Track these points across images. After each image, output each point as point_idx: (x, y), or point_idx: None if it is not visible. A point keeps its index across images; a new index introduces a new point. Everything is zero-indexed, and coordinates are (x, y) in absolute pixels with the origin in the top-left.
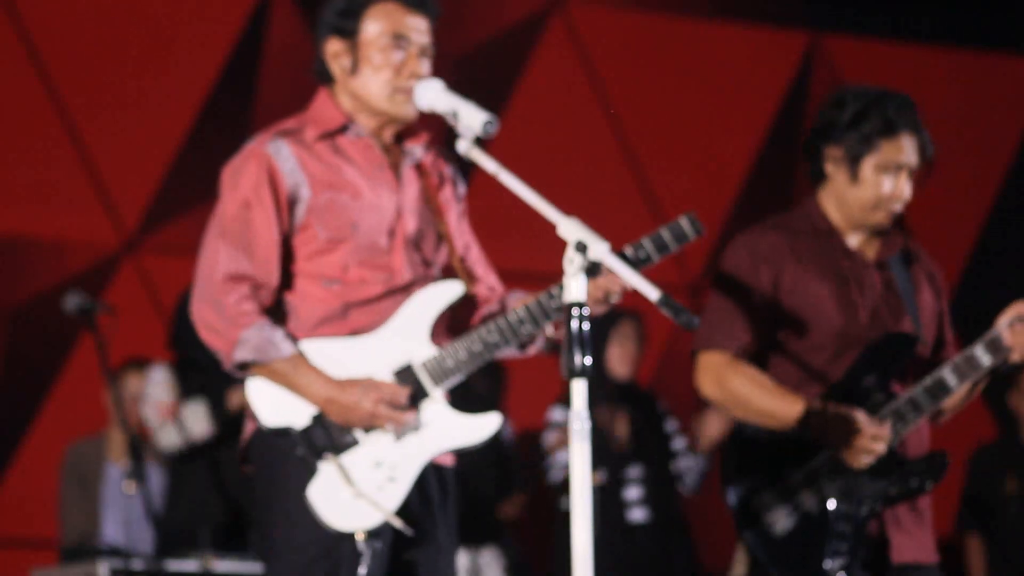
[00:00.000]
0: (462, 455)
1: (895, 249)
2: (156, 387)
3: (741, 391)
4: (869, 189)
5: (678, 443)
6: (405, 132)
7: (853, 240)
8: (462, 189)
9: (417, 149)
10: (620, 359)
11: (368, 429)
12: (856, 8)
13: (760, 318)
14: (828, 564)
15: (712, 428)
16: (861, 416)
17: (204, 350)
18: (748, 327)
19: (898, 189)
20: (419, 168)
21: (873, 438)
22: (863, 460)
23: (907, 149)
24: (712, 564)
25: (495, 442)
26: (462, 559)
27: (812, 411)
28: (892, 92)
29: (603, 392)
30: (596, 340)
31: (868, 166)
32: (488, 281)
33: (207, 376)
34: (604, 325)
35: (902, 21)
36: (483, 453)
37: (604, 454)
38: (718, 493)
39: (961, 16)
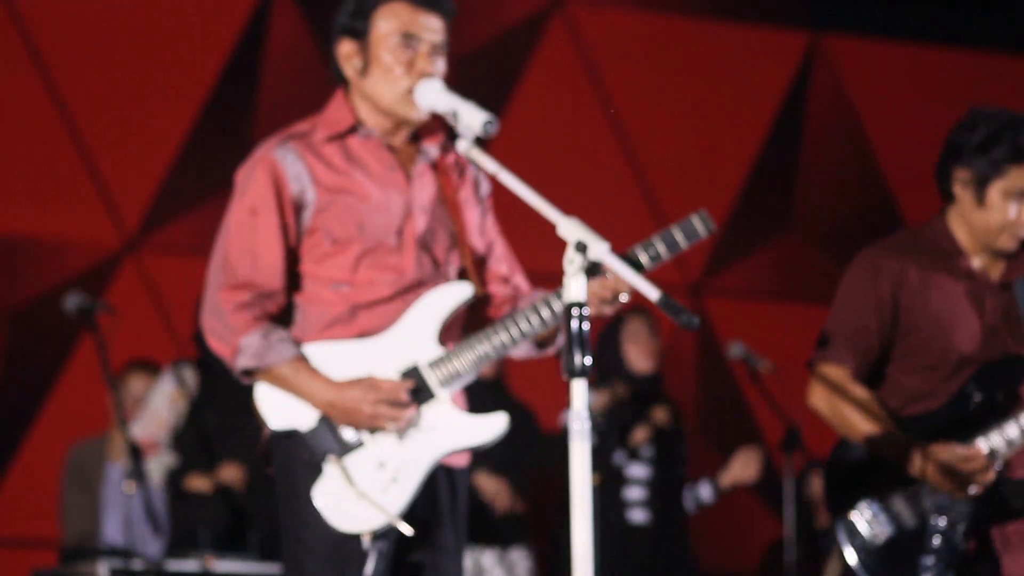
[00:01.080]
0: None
1: (1020, 271)
2: (159, 398)
3: (849, 415)
4: (995, 214)
5: (681, 449)
6: (422, 131)
7: (977, 261)
8: (486, 188)
9: (433, 148)
10: (638, 355)
11: (373, 430)
12: (857, 8)
13: (876, 334)
14: None
15: (746, 472)
16: (960, 450)
17: None
18: (867, 343)
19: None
20: (435, 167)
21: (975, 473)
22: (970, 492)
23: None
24: (711, 567)
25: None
26: (488, 558)
27: (912, 448)
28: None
29: (630, 392)
30: (613, 342)
31: (995, 191)
32: (513, 281)
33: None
34: (613, 325)
35: (902, 21)
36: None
37: (607, 454)
38: (722, 496)
39: (961, 16)
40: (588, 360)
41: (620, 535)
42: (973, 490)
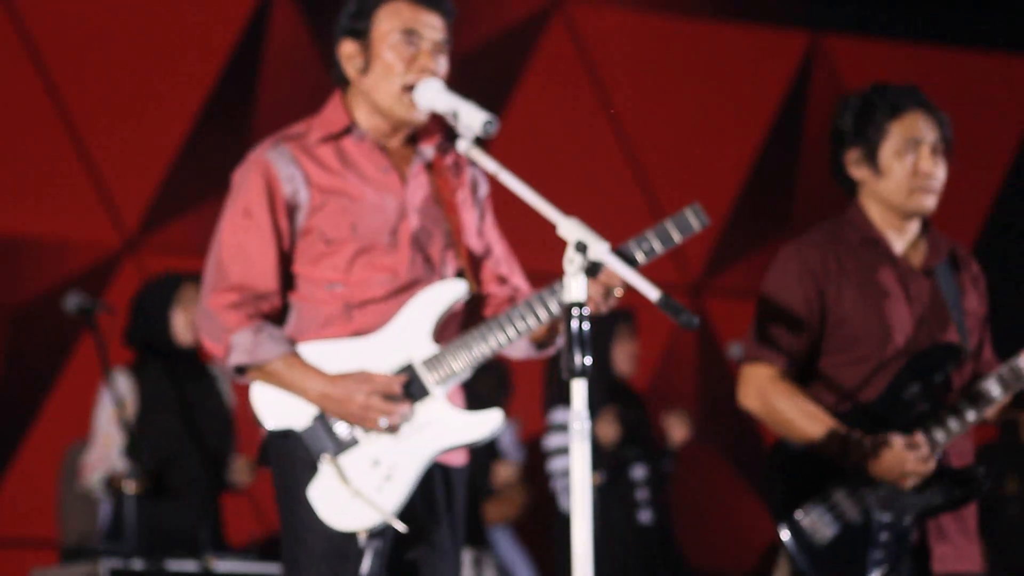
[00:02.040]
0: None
1: (942, 255)
2: (103, 420)
3: (785, 414)
4: (895, 174)
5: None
6: (419, 132)
7: (899, 245)
8: (484, 189)
9: (429, 149)
10: (625, 358)
11: (367, 428)
12: (856, 8)
13: (806, 330)
14: (870, 574)
15: (678, 433)
16: (899, 443)
17: (155, 332)
18: (794, 340)
19: (923, 164)
20: (431, 168)
21: (916, 462)
22: (910, 483)
23: (918, 124)
24: (706, 565)
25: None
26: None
27: (851, 444)
28: (891, 83)
29: (603, 395)
30: (599, 341)
31: (886, 154)
32: (512, 282)
33: (168, 359)
34: (606, 326)
35: (902, 21)
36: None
37: (603, 454)
38: (713, 495)
39: (961, 16)
40: (588, 360)
41: (632, 537)
42: (912, 481)
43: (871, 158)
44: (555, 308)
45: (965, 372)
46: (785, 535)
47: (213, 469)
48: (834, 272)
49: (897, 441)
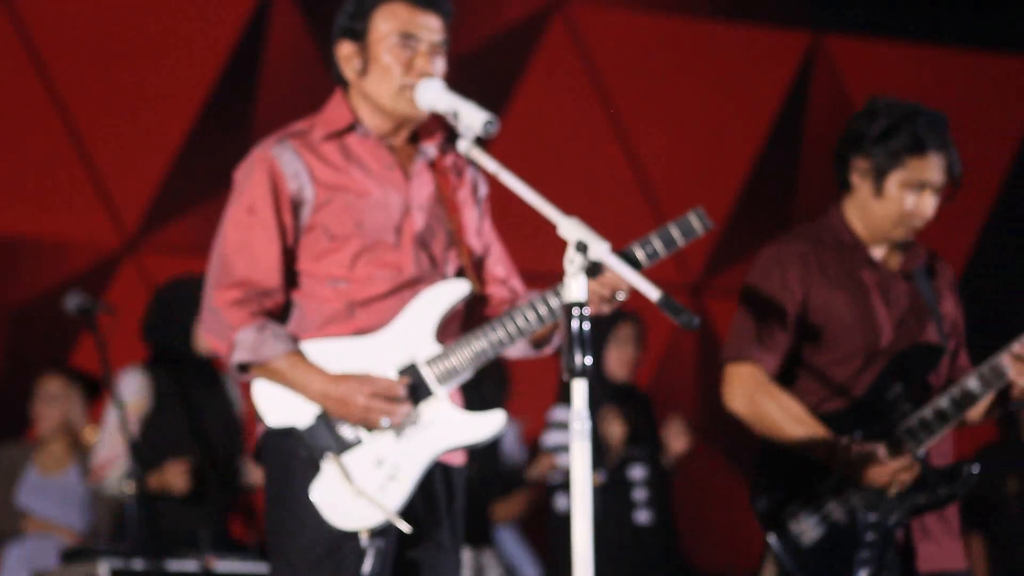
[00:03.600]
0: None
1: (919, 260)
2: (112, 422)
3: (772, 417)
4: (892, 205)
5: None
6: (421, 131)
7: (878, 252)
8: (484, 190)
9: (431, 148)
10: (618, 362)
11: (369, 427)
12: (857, 8)
13: (788, 330)
14: (857, 574)
15: (677, 444)
16: (883, 453)
17: (177, 338)
18: (778, 339)
19: (921, 207)
20: (433, 167)
21: (898, 471)
22: (892, 491)
23: (933, 168)
24: (706, 565)
25: (495, 448)
26: (488, 557)
27: (837, 451)
28: (925, 109)
29: (604, 394)
30: (595, 342)
31: (893, 182)
32: (510, 283)
33: (181, 367)
34: (603, 327)
35: (903, 21)
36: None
37: (603, 456)
38: (714, 495)
39: (961, 16)
40: (588, 360)
41: (630, 537)
42: (897, 488)
43: (878, 178)
44: (557, 308)
45: (942, 374)
46: (771, 537)
47: (222, 472)
48: (816, 272)
49: (882, 451)
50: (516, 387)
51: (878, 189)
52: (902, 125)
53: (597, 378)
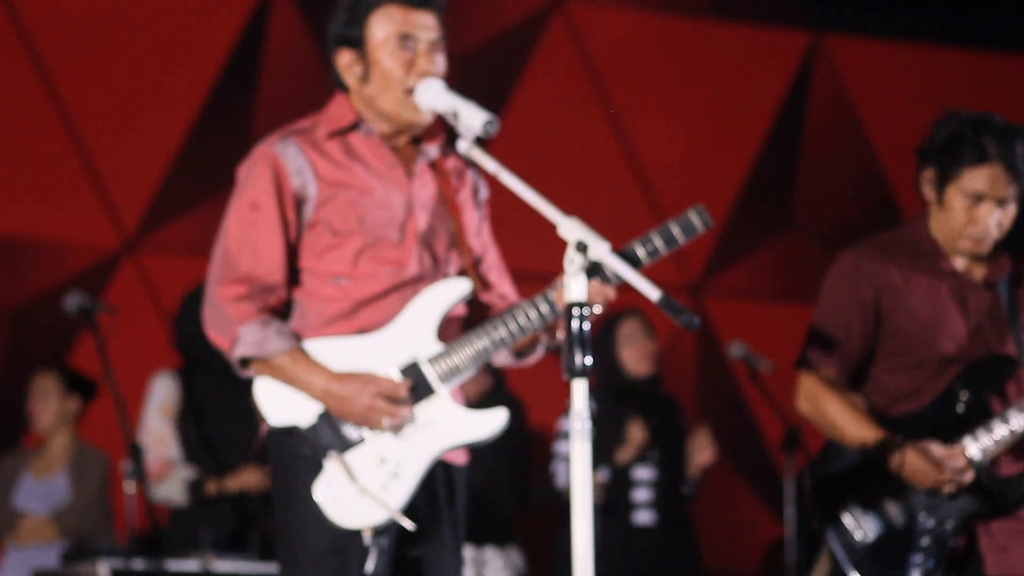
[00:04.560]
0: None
1: (1003, 271)
2: (153, 409)
3: (834, 418)
4: (952, 215)
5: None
6: (423, 133)
7: (959, 262)
8: (484, 193)
9: (432, 149)
10: (634, 358)
11: (371, 428)
12: (857, 8)
13: (862, 336)
14: None
15: (703, 455)
16: (936, 452)
17: (210, 349)
18: (845, 346)
19: (978, 220)
20: (434, 167)
21: (950, 471)
22: (946, 489)
23: (990, 179)
24: (712, 567)
25: (512, 447)
26: (489, 554)
27: (891, 449)
28: (996, 120)
29: (624, 396)
30: (604, 347)
31: (952, 192)
32: (501, 289)
33: (215, 378)
34: (608, 329)
35: (902, 21)
36: (498, 458)
37: (610, 456)
38: (722, 496)
39: (961, 16)
40: (589, 360)
41: (626, 537)
42: (949, 488)
43: (940, 187)
44: (557, 306)
45: (1022, 384)
46: (829, 533)
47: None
48: (892, 280)
49: (934, 449)
50: (515, 388)
51: (940, 199)
52: (963, 135)
53: (610, 381)
